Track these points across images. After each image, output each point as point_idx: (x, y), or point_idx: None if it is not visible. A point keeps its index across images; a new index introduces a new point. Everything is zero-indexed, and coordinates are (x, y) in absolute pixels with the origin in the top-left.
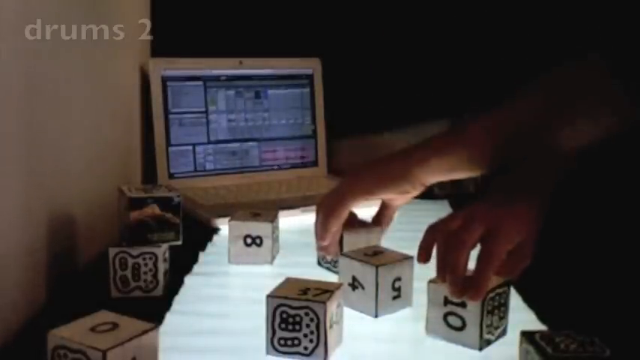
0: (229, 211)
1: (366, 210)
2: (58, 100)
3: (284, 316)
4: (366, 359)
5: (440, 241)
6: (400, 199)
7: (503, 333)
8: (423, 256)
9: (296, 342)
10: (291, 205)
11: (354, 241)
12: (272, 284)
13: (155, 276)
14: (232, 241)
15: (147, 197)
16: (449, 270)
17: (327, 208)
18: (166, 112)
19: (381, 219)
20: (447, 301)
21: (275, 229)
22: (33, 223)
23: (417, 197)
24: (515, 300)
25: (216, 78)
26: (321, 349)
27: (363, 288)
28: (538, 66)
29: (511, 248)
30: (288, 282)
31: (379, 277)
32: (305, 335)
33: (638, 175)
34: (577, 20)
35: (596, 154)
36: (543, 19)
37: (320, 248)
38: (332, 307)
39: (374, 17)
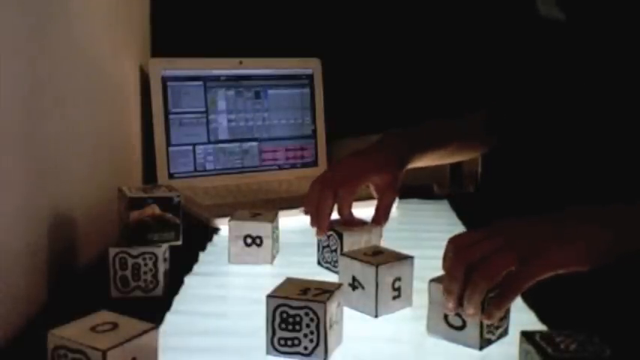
0: (229, 211)
1: (366, 210)
2: (59, 101)
3: (284, 316)
4: (366, 359)
5: (463, 262)
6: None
7: (505, 333)
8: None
9: (296, 342)
10: (291, 205)
11: (354, 241)
12: (272, 284)
13: (155, 276)
14: (232, 241)
15: (147, 197)
16: (471, 302)
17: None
18: (166, 112)
19: (378, 213)
20: None
21: (275, 229)
22: (33, 223)
23: (416, 197)
24: (516, 300)
25: (216, 78)
26: (321, 349)
27: (363, 288)
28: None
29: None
30: (288, 282)
31: (379, 277)
32: (305, 335)
33: (637, 179)
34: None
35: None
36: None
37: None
38: (332, 307)
39: (374, 17)
